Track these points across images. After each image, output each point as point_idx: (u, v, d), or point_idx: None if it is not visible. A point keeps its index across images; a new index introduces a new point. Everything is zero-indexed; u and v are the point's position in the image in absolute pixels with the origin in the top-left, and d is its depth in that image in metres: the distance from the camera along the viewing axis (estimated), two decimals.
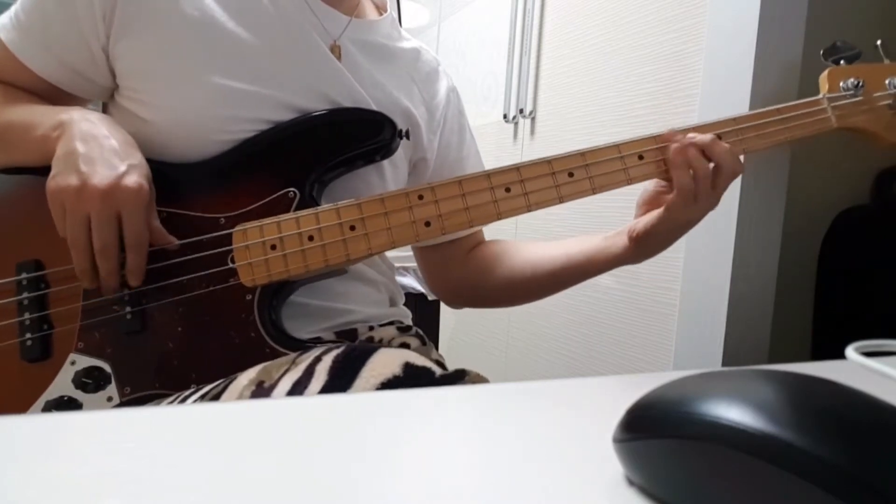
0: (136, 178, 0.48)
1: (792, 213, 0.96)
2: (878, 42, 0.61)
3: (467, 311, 1.64)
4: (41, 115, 0.52)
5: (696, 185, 0.54)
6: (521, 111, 1.39)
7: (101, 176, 0.47)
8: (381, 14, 0.68)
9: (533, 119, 1.38)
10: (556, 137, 1.31)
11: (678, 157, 0.54)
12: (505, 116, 1.44)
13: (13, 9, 0.56)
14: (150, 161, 0.52)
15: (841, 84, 0.60)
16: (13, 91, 0.57)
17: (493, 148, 1.52)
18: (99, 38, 0.54)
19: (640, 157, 0.56)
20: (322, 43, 0.58)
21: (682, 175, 0.54)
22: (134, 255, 0.49)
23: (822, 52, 0.61)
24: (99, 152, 0.48)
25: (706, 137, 0.55)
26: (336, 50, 0.60)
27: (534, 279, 0.69)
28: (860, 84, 0.59)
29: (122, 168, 0.48)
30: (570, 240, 0.67)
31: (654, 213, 0.57)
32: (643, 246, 0.60)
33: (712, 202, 0.56)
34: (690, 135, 0.55)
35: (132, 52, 0.54)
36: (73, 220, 0.47)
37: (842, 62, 0.61)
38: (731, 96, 0.89)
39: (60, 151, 0.49)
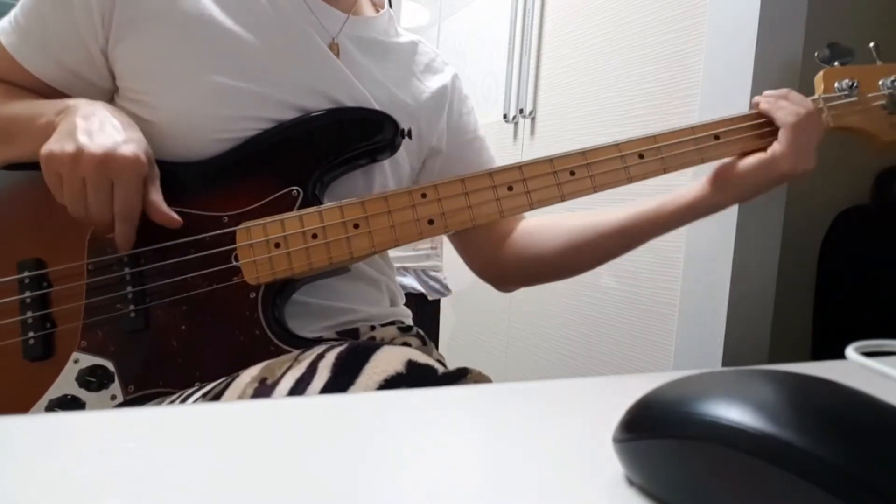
0: (133, 148, 0.48)
1: (792, 213, 0.96)
2: (871, 44, 0.62)
3: (467, 311, 1.64)
4: (45, 106, 0.53)
5: (800, 126, 0.56)
6: (521, 111, 1.39)
7: (97, 144, 0.47)
8: (377, 11, 0.68)
9: (533, 119, 1.38)
10: (556, 137, 1.31)
11: (771, 102, 0.58)
12: (505, 116, 1.44)
13: (13, 12, 0.56)
14: None
15: (836, 85, 0.61)
16: (16, 89, 0.57)
17: (494, 148, 1.51)
18: (97, 40, 0.54)
19: (641, 156, 0.56)
20: (320, 41, 0.59)
21: (785, 115, 0.56)
22: (123, 225, 0.49)
23: (816, 54, 0.62)
24: (99, 126, 0.48)
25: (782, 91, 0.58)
26: (334, 48, 0.60)
27: (600, 240, 0.64)
28: (854, 85, 0.60)
29: (120, 138, 0.48)
30: (632, 203, 0.64)
31: (754, 157, 0.57)
32: (723, 189, 0.58)
33: (810, 156, 0.57)
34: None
35: (131, 53, 0.54)
36: (70, 187, 0.47)
37: (836, 63, 0.62)
38: (731, 96, 0.89)
39: (61, 127, 0.49)
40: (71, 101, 0.52)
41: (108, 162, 0.46)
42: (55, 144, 0.47)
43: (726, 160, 0.59)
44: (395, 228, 0.53)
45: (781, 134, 0.56)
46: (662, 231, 0.62)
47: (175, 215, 0.50)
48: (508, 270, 0.71)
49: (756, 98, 0.59)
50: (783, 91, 0.59)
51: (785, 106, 0.57)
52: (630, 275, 1.09)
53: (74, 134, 0.47)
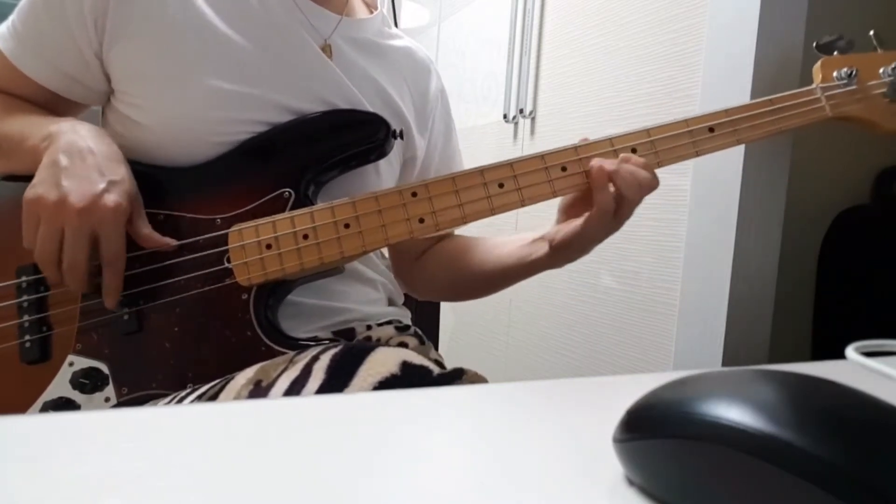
0: (115, 196, 0.48)
1: (792, 213, 0.96)
2: (871, 32, 0.61)
3: (467, 311, 1.64)
4: (33, 126, 0.53)
5: (617, 204, 0.53)
6: (521, 111, 1.39)
7: (79, 193, 0.46)
8: (371, 12, 0.69)
9: (533, 119, 1.38)
10: (556, 137, 1.31)
11: (601, 178, 0.53)
12: (505, 116, 1.44)
13: (11, 17, 0.56)
14: (145, 164, 0.52)
15: (834, 74, 0.60)
16: (12, 101, 0.58)
17: (494, 148, 1.52)
18: (91, 44, 0.54)
19: (634, 151, 0.56)
20: (313, 42, 0.59)
21: (604, 196, 0.52)
22: (110, 273, 0.48)
23: (815, 44, 0.62)
24: (81, 168, 0.48)
25: (620, 164, 0.53)
26: (327, 49, 0.60)
27: (479, 280, 0.70)
28: (854, 73, 0.59)
29: (102, 185, 0.48)
30: (508, 242, 0.67)
31: (572, 226, 0.56)
32: (561, 254, 0.59)
33: (626, 220, 0.55)
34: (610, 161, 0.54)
35: (125, 56, 0.54)
36: (47, 233, 0.47)
37: (835, 52, 0.61)
38: (731, 96, 0.89)
39: (44, 162, 0.49)
40: (54, 128, 0.51)
41: (89, 213, 0.46)
42: (40, 189, 0.47)
43: (557, 229, 0.58)
44: (386, 228, 0.53)
45: (595, 210, 0.53)
46: (518, 281, 0.68)
47: (169, 240, 0.51)
48: (418, 282, 0.75)
49: (595, 162, 0.54)
50: (616, 166, 0.53)
51: (605, 185, 0.52)
52: (630, 275, 1.09)
53: (57, 178, 0.47)
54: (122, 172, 0.50)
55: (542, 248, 0.61)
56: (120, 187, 0.49)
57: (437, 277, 0.74)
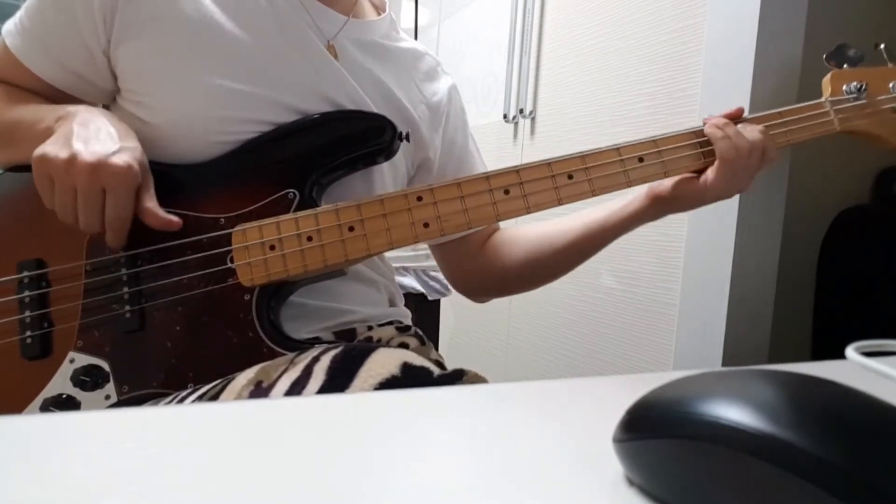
0: (126, 157, 0.48)
1: (792, 213, 0.96)
2: (882, 45, 0.61)
3: (467, 311, 1.64)
4: (46, 111, 0.53)
5: (738, 161, 0.55)
6: (521, 111, 1.39)
7: (90, 152, 0.47)
8: (379, 14, 0.68)
9: (533, 119, 1.38)
10: (556, 137, 1.31)
11: (718, 132, 0.56)
12: (505, 116, 1.44)
13: (19, 14, 0.56)
14: (150, 163, 0.52)
15: (844, 87, 0.60)
16: (19, 91, 0.58)
17: (494, 148, 1.52)
18: (100, 41, 0.54)
19: (640, 160, 0.56)
20: (319, 42, 0.59)
21: (726, 148, 0.55)
22: (112, 234, 0.49)
23: (825, 56, 0.62)
24: (95, 133, 0.48)
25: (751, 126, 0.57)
26: (332, 50, 0.60)
27: (555, 254, 0.68)
28: (863, 87, 0.60)
29: (114, 147, 0.48)
30: (582, 211, 0.67)
31: (687, 183, 0.58)
32: (662, 206, 0.61)
33: (747, 182, 0.57)
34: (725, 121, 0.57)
35: (132, 54, 0.54)
36: (62, 192, 0.47)
37: (845, 66, 0.61)
38: (731, 96, 0.89)
39: (59, 132, 0.49)
40: (71, 108, 0.52)
41: (100, 170, 0.46)
42: (49, 147, 0.47)
43: (662, 182, 0.59)
44: (391, 231, 0.52)
45: (717, 166, 0.56)
46: (608, 243, 0.66)
47: (172, 217, 0.50)
48: (477, 282, 0.74)
49: (705, 118, 0.58)
50: (728, 121, 0.57)
51: (728, 138, 0.55)
52: (630, 275, 1.09)
53: (70, 139, 0.47)
54: (135, 143, 0.51)
55: (637, 202, 0.62)
56: (131, 153, 0.49)
57: (508, 263, 0.71)
